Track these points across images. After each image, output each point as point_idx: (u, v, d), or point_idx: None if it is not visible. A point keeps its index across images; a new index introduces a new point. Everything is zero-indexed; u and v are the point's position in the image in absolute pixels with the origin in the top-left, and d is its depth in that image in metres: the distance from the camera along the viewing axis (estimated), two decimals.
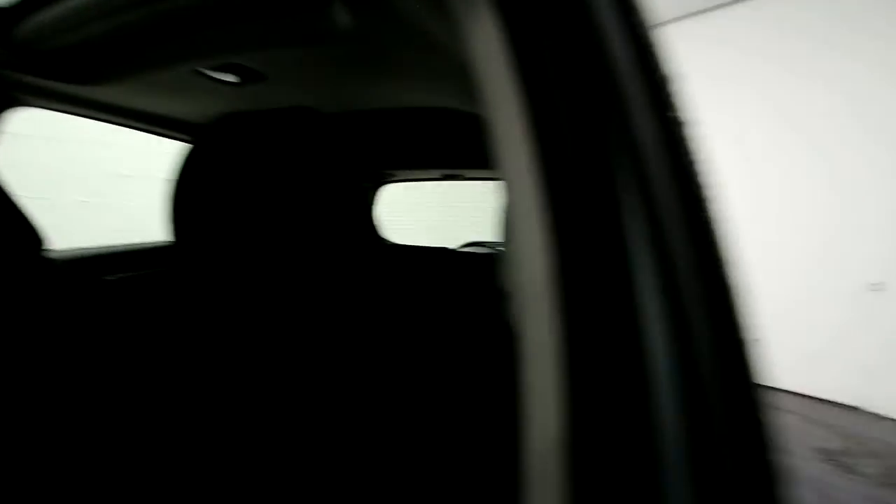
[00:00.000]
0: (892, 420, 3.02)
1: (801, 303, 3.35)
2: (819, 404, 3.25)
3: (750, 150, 3.51)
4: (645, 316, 0.27)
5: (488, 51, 0.30)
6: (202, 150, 0.48)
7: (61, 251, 1.28)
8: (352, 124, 1.43)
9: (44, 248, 0.93)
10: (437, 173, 1.90)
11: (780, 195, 3.41)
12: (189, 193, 0.49)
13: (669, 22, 3.63)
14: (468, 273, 1.24)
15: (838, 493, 2.26)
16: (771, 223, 3.46)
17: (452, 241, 2.32)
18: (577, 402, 0.25)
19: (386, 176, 1.96)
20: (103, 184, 2.50)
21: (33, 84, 1.05)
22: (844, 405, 3.20)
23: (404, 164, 1.85)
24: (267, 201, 0.47)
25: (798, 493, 2.17)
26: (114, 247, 1.56)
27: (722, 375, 0.26)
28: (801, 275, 3.35)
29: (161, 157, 1.40)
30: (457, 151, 1.57)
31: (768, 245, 3.45)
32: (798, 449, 2.66)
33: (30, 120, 1.31)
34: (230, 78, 1.04)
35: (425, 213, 4.55)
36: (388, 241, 2.15)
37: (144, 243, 1.62)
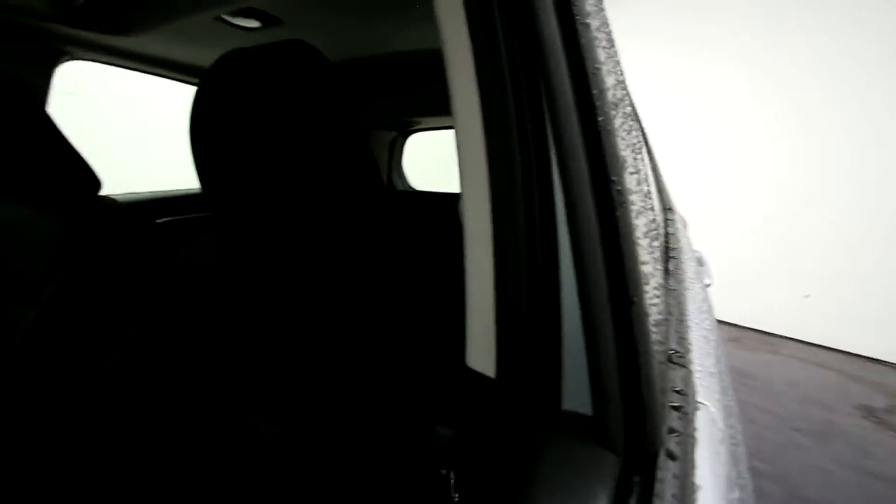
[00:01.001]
0: None
1: (845, 262, 3.15)
2: (865, 362, 3.10)
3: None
4: (552, 220, 0.32)
5: None
6: (204, 93, 0.51)
7: (120, 195, 1.42)
8: (369, 70, 1.45)
9: (100, 191, 1.04)
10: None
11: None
12: (197, 138, 0.52)
13: None
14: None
15: (878, 449, 2.21)
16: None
17: None
18: (502, 276, 0.34)
19: (411, 124, 1.97)
20: (149, 138, 2.69)
21: (76, 36, 1.14)
22: (891, 363, 3.04)
23: (429, 111, 1.85)
24: (265, 141, 0.48)
25: (836, 448, 2.14)
26: (164, 192, 1.71)
27: (606, 255, 0.30)
28: (851, 234, 3.13)
29: None
30: None
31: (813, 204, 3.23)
32: (839, 405, 2.58)
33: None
34: (248, 23, 1.09)
35: None
36: (404, 188, 2.20)
37: (193, 189, 1.75)
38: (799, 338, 3.38)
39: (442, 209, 1.64)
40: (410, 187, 2.26)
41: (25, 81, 0.94)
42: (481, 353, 0.36)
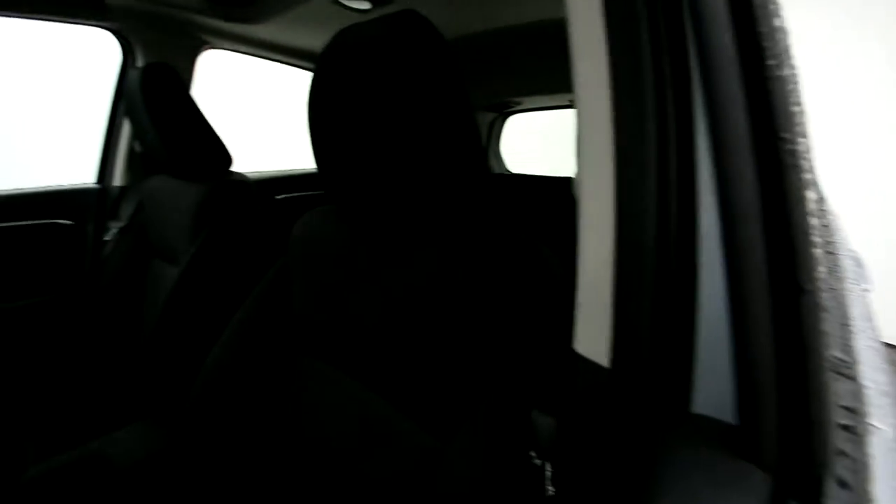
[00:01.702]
0: None
1: None
2: None
3: None
4: (692, 183, 0.27)
5: None
6: (320, 70, 0.52)
7: (250, 172, 1.58)
8: (475, 49, 1.42)
9: (231, 167, 1.16)
10: (566, 98, 1.77)
11: None
12: (313, 115, 0.54)
13: None
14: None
15: None
16: None
17: None
18: (623, 249, 0.30)
19: (511, 104, 1.92)
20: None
21: (215, 27, 1.28)
22: None
23: (533, 90, 1.78)
24: (378, 112, 0.47)
25: None
26: (286, 171, 1.87)
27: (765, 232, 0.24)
28: None
29: None
30: None
31: None
32: None
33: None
34: (361, 5, 1.13)
35: None
36: (504, 172, 2.15)
37: (309, 169, 1.89)
38: None
39: (542, 191, 1.58)
40: (507, 170, 2.21)
41: (174, 69, 1.07)
42: (593, 338, 0.32)
